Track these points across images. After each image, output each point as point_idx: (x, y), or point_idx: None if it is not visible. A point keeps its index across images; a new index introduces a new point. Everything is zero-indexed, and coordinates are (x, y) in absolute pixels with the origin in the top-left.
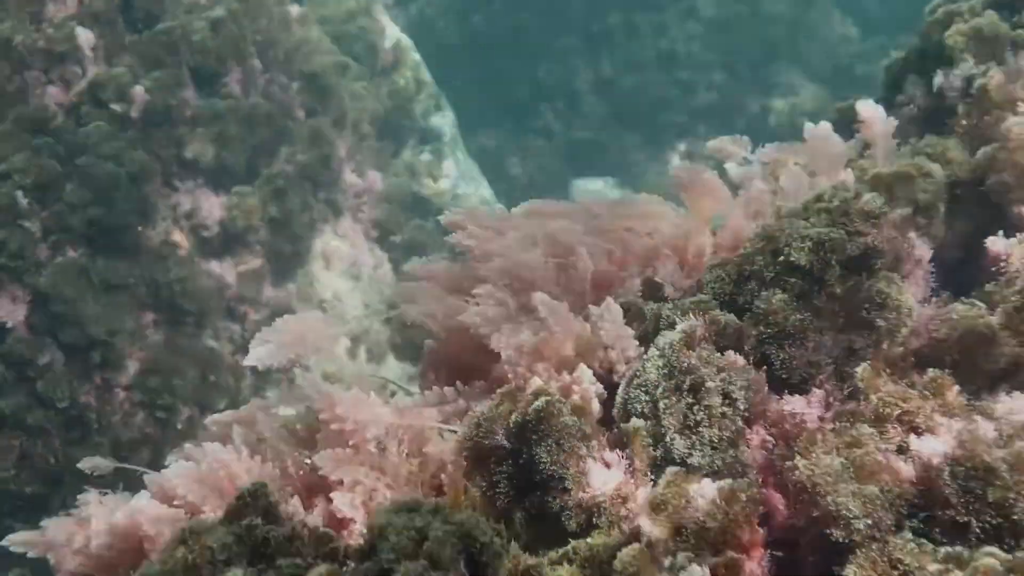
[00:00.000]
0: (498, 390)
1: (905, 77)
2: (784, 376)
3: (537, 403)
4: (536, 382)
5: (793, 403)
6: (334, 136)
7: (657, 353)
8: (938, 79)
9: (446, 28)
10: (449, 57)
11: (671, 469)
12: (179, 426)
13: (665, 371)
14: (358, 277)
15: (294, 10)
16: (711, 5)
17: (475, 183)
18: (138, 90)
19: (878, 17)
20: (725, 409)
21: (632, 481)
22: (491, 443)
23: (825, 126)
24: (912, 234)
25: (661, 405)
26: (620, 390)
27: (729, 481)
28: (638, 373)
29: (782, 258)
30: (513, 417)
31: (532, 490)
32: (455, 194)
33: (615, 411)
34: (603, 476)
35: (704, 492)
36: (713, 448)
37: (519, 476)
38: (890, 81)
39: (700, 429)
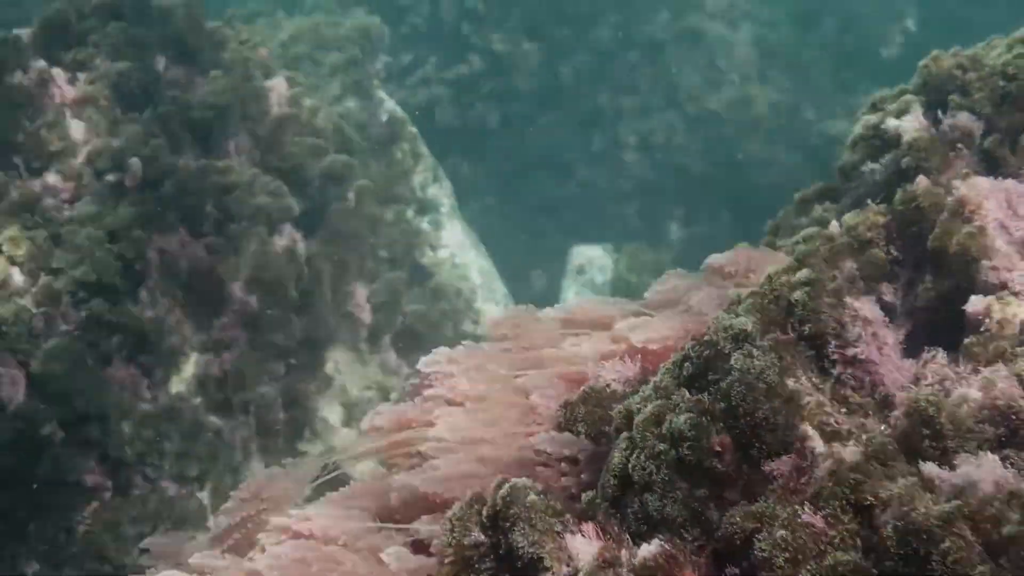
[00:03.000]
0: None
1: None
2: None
3: (503, 490)
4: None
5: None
6: None
7: (626, 436)
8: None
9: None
10: (445, 131)
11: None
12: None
13: (630, 450)
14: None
15: (282, 88)
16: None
17: (474, 251)
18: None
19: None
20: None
21: (614, 545)
22: (469, 541)
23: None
24: (848, 299)
25: (634, 474)
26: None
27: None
28: (610, 459)
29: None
30: (484, 511)
31: None
32: (454, 263)
33: (598, 491)
34: (583, 546)
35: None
36: (674, 497)
37: (502, 568)
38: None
39: (662, 484)
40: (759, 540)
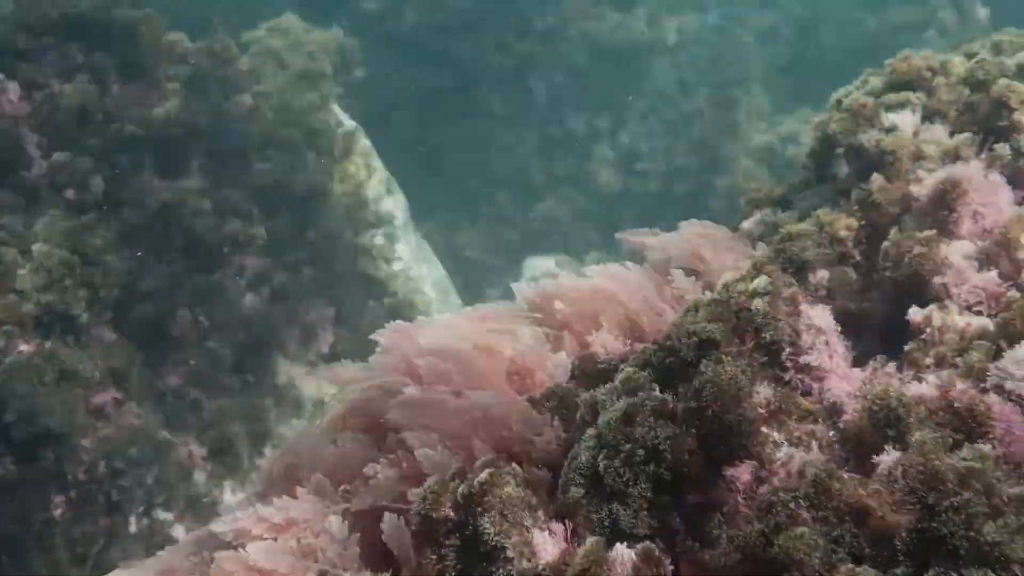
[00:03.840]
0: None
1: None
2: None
3: (483, 475)
4: (486, 457)
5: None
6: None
7: (593, 433)
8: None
9: (400, 118)
10: (403, 144)
11: (591, 539)
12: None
13: (598, 449)
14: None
15: (247, 102)
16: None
17: (428, 264)
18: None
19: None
20: (658, 477)
21: (576, 549)
22: (439, 515)
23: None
24: (804, 306)
25: (606, 477)
26: (563, 470)
27: (645, 545)
28: (576, 456)
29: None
30: (460, 489)
31: (479, 561)
32: (408, 276)
33: (560, 489)
34: (547, 545)
35: (622, 558)
36: (648, 513)
37: (466, 547)
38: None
39: (638, 500)
40: None
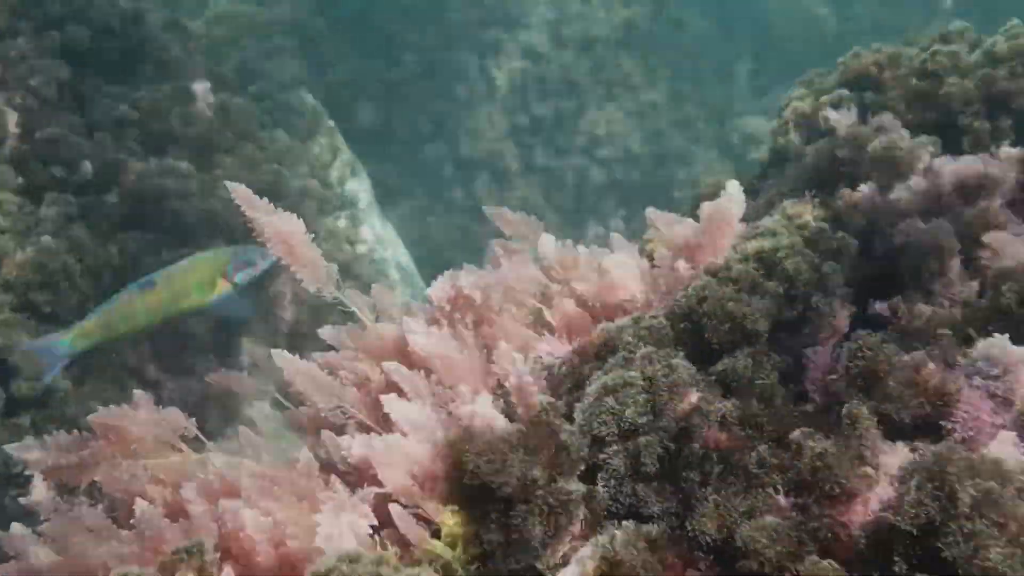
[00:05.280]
0: None
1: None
2: None
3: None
4: None
5: None
6: None
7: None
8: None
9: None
10: (368, 133)
11: None
12: None
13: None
14: None
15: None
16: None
17: (393, 248)
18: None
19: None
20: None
21: None
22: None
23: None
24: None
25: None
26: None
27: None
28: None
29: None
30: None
31: None
32: (372, 259)
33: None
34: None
35: None
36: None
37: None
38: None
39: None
40: None
